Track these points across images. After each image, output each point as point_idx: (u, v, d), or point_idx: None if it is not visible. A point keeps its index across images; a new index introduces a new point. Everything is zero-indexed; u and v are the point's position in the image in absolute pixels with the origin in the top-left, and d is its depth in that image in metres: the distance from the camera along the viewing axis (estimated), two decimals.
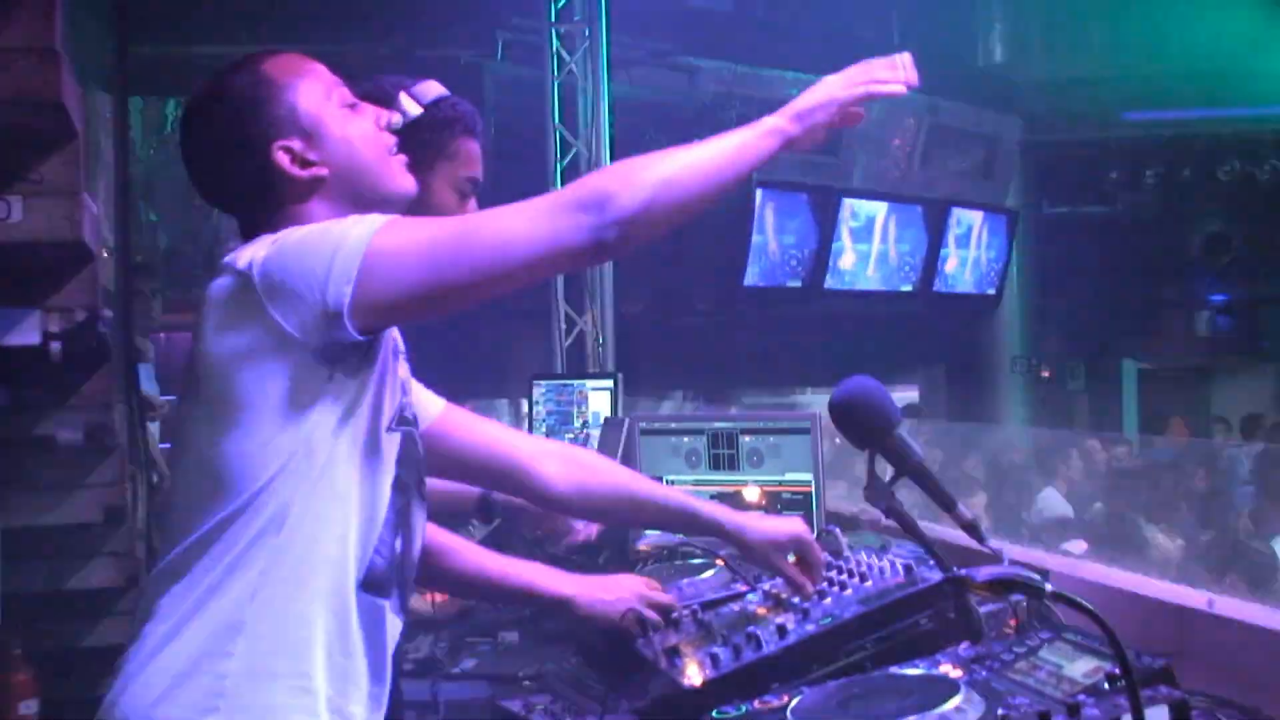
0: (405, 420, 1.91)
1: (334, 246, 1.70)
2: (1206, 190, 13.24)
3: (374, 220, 1.74)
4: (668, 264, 9.53)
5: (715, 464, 3.48)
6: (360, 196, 1.92)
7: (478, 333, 8.18)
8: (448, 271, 1.71)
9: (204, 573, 1.75)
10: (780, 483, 3.36)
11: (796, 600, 2.18)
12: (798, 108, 1.93)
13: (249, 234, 1.91)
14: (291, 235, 1.77)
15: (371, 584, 1.81)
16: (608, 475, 2.32)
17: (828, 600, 2.14)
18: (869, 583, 2.17)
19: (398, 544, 1.87)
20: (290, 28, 7.39)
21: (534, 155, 7.69)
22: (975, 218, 12.98)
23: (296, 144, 1.89)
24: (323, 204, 1.91)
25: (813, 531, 3.17)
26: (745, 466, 3.43)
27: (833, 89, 1.97)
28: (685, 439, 3.54)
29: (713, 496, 3.40)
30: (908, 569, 2.16)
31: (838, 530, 2.41)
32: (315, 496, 1.76)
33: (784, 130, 1.92)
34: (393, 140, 1.98)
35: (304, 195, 1.91)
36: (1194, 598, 2.25)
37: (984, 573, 1.47)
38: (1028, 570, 1.54)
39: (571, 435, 5.51)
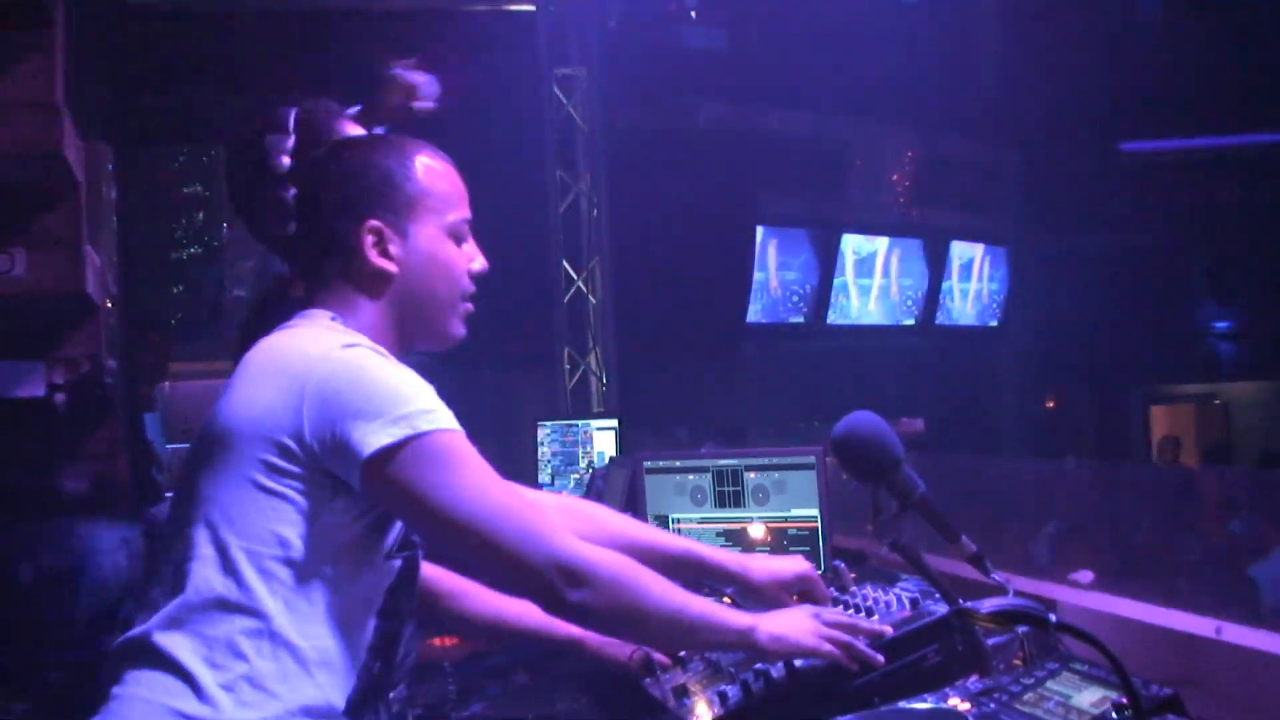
0: (408, 544, 1.91)
1: (400, 403, 1.75)
2: (1208, 217, 13.24)
3: (447, 419, 1.78)
4: (670, 302, 9.54)
5: (720, 501, 3.47)
6: (413, 318, 1.94)
7: (480, 374, 8.18)
8: (457, 514, 1.76)
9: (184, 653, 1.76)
10: (786, 519, 3.35)
11: None
12: (778, 633, 1.95)
13: (310, 300, 1.94)
14: (367, 362, 1.79)
15: (348, 709, 1.82)
16: (609, 526, 2.32)
17: None
18: (875, 617, 2.16)
19: (376, 666, 1.88)
20: (300, 78, 7.44)
21: (532, 198, 7.73)
22: (976, 250, 13.01)
23: (389, 232, 1.90)
24: (379, 309, 1.92)
25: (819, 568, 3.18)
26: (750, 503, 3.42)
27: (806, 636, 1.97)
28: (690, 476, 3.53)
29: (719, 534, 3.40)
30: (914, 602, 2.16)
31: (843, 565, 2.40)
32: (294, 612, 1.77)
33: (758, 644, 1.95)
34: (472, 289, 1.99)
35: (368, 288, 1.91)
36: (1202, 626, 2.25)
37: (989, 605, 1.48)
38: (1033, 602, 1.53)
39: (577, 476, 5.52)
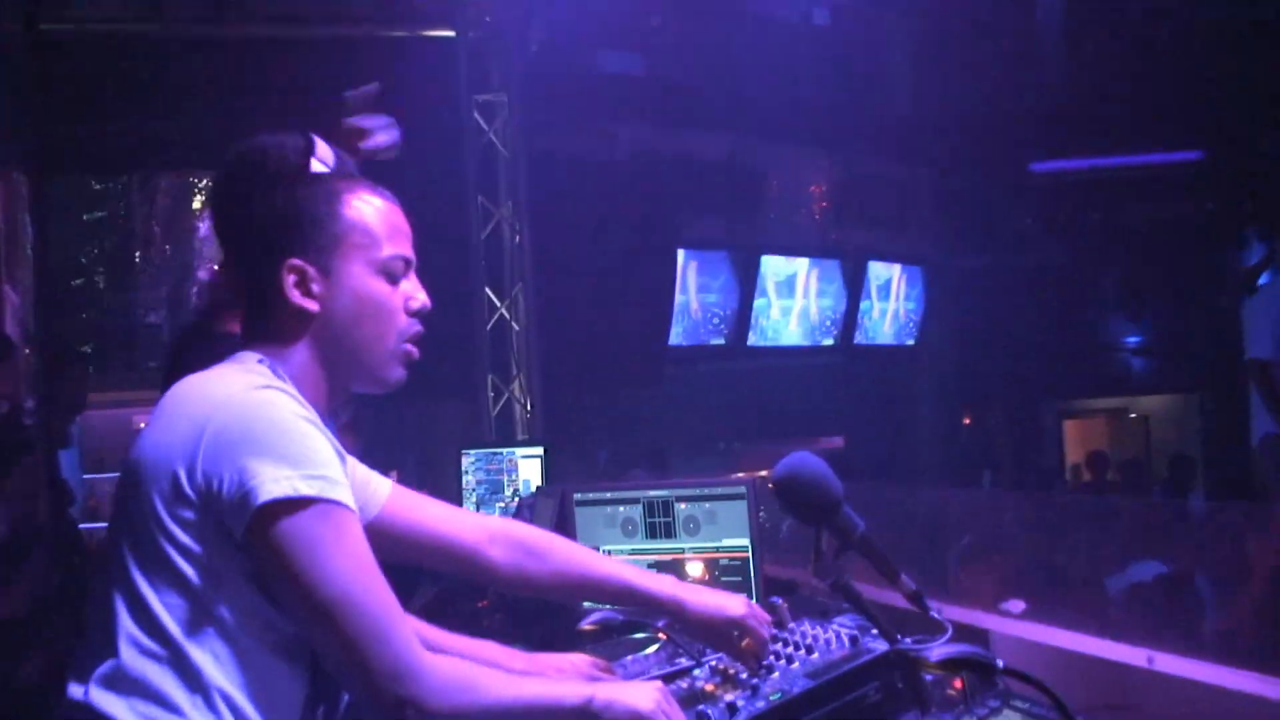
0: None
1: (313, 463, 1.74)
2: (1117, 234, 13.50)
3: (350, 497, 1.78)
4: (593, 327, 9.54)
5: (651, 533, 3.47)
6: (343, 360, 1.92)
7: (402, 402, 8.13)
8: (324, 592, 1.72)
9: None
10: (717, 549, 3.37)
11: (744, 676, 2.18)
12: (614, 698, 1.94)
13: (246, 339, 1.92)
14: (280, 409, 1.77)
15: None
16: (548, 557, 2.30)
17: (775, 675, 2.14)
18: (815, 655, 2.17)
19: (320, 713, 1.87)
20: (216, 105, 7.36)
21: (453, 224, 7.69)
22: (893, 270, 13.15)
23: (311, 270, 1.87)
24: (308, 350, 1.90)
25: (751, 597, 3.19)
26: (681, 534, 3.43)
27: (644, 702, 1.95)
28: (621, 508, 3.53)
29: (651, 565, 3.40)
30: (853, 640, 2.17)
31: (781, 601, 2.41)
32: (221, 662, 1.75)
33: (594, 711, 1.91)
34: (414, 329, 1.96)
35: (296, 328, 1.89)
36: (1134, 655, 2.28)
37: (937, 652, 1.49)
38: (973, 645, 1.55)
39: (503, 505, 5.48)
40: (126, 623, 1.75)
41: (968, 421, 15.42)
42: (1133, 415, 16.36)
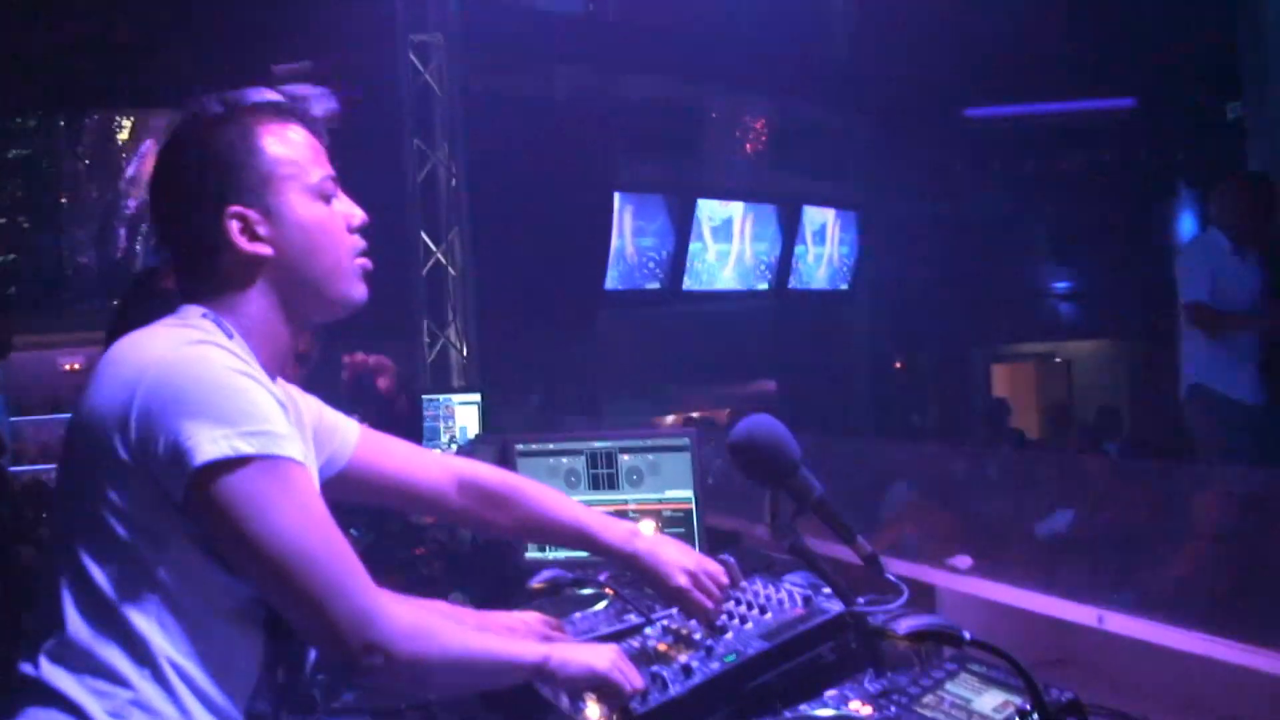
0: None
1: (251, 418, 1.68)
2: (1049, 181, 13.61)
3: (297, 449, 1.73)
4: (529, 271, 9.48)
5: (595, 483, 3.47)
6: (304, 291, 1.87)
7: (337, 348, 8.03)
8: (277, 548, 1.68)
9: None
10: (660, 500, 3.37)
11: (698, 637, 2.16)
12: (570, 657, 1.95)
13: (184, 295, 1.85)
14: (215, 363, 1.71)
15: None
16: (510, 506, 2.29)
17: (729, 635, 2.13)
18: (768, 615, 2.16)
19: (280, 675, 1.84)
20: (144, 45, 7.21)
21: (388, 168, 7.59)
22: (828, 215, 13.19)
23: (253, 214, 1.81)
24: (264, 292, 1.84)
25: (695, 548, 3.19)
26: (625, 485, 3.43)
27: (600, 661, 1.96)
28: (564, 459, 3.52)
29: None
30: (806, 600, 2.16)
31: (733, 560, 2.40)
32: (168, 630, 1.71)
33: (550, 671, 1.92)
34: (360, 244, 1.92)
35: (246, 274, 1.83)
36: (1083, 614, 2.29)
37: (905, 624, 1.48)
38: (937, 616, 1.55)
39: (439, 452, 5.45)
40: (71, 595, 1.71)
41: (899, 365, 15.55)
42: (1058, 360, 16.56)
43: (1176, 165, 13.13)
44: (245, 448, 1.66)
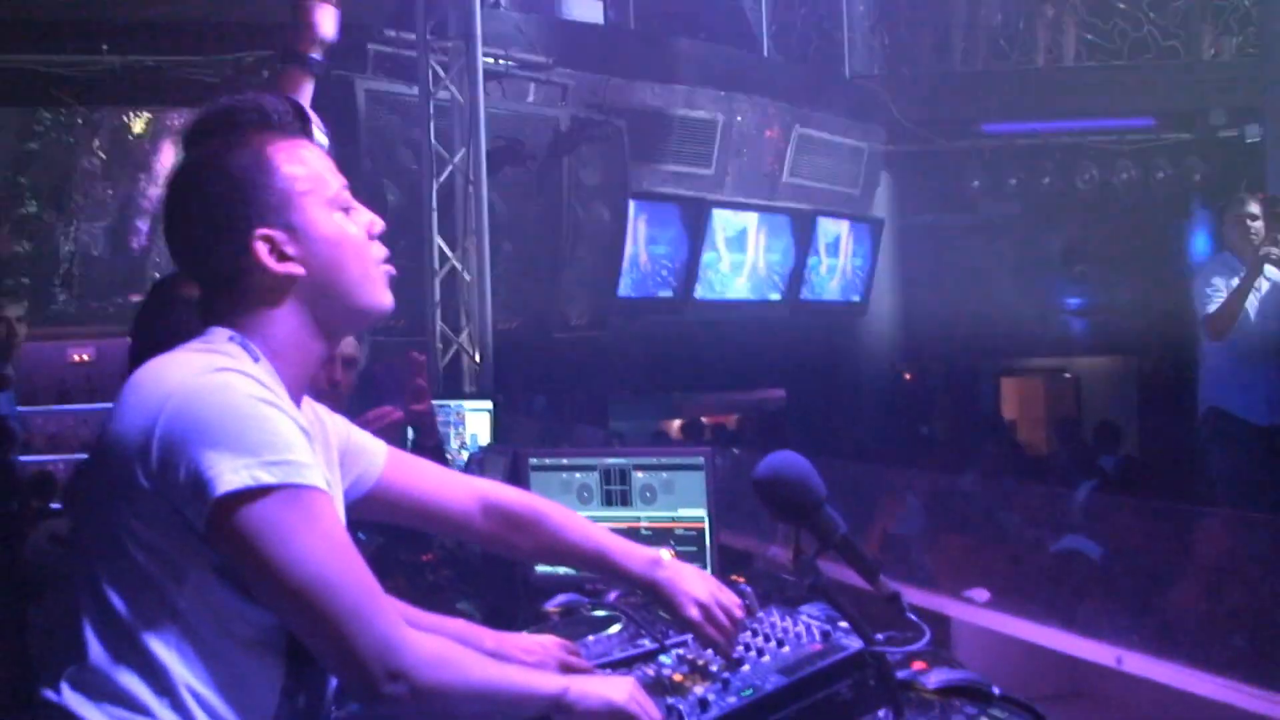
0: None
1: (274, 447, 1.69)
2: (1065, 199, 13.59)
3: (319, 477, 1.73)
4: (544, 278, 9.48)
5: (608, 500, 3.47)
6: (335, 305, 1.88)
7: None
8: (298, 577, 1.69)
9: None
10: (673, 519, 3.38)
11: (714, 668, 2.16)
12: (589, 690, 1.95)
13: (208, 317, 1.86)
14: (237, 391, 1.71)
15: None
16: (534, 531, 2.29)
17: (745, 668, 2.13)
18: (786, 648, 2.16)
19: (300, 700, 1.84)
20: (151, 38, 7.20)
21: (407, 170, 7.59)
22: (842, 227, 13.16)
23: (279, 235, 1.82)
24: (294, 311, 1.85)
25: (706, 568, 3.19)
26: (638, 502, 3.43)
27: (618, 694, 1.97)
28: (577, 475, 3.53)
29: None
30: (825, 635, 2.16)
31: (750, 589, 2.40)
32: (188, 659, 1.72)
33: (568, 704, 1.93)
34: (383, 251, 1.93)
35: (275, 294, 1.84)
36: (1101, 654, 2.28)
37: (935, 679, 1.48)
38: (968, 671, 1.54)
39: (450, 459, 5.44)
40: (92, 622, 1.72)
41: (908, 377, 15.53)
42: (1067, 375, 16.53)
43: (1193, 186, 13.11)
44: (267, 478, 1.66)
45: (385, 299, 1.93)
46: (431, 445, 3.91)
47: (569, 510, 2.40)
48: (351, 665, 1.73)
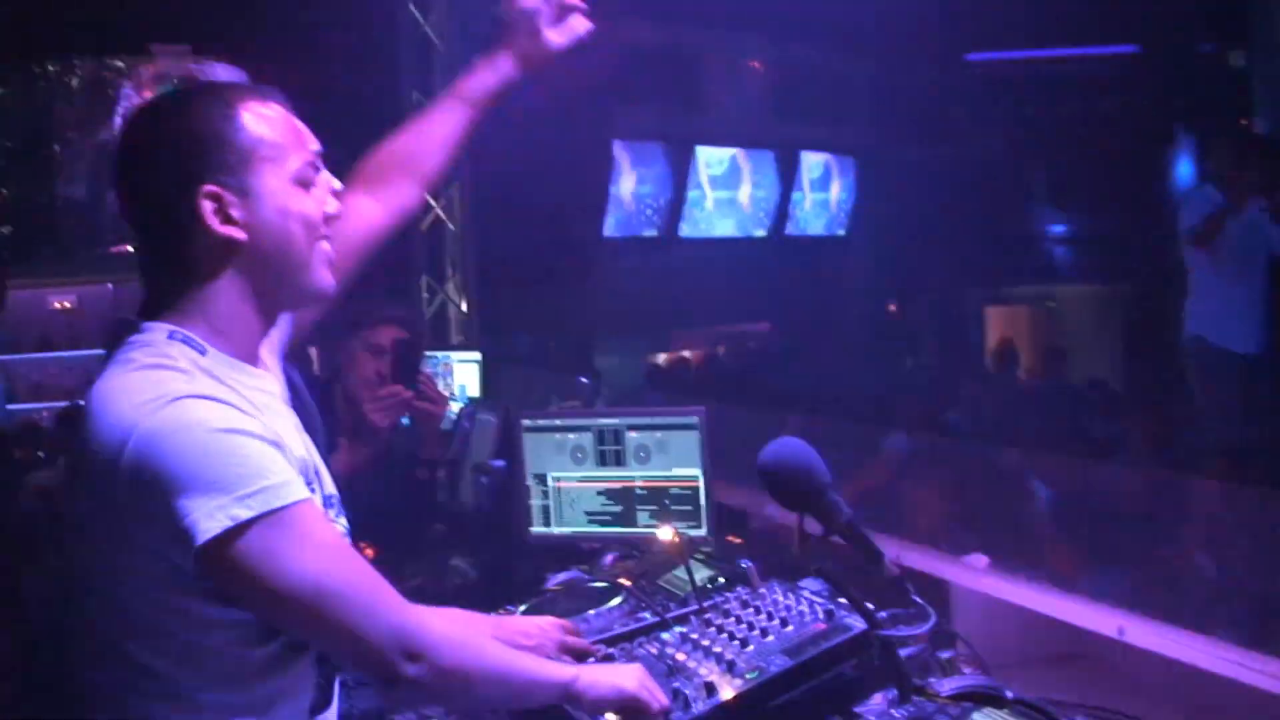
0: None
1: (246, 478, 1.64)
2: (1050, 127, 13.53)
3: (299, 488, 1.70)
4: (529, 221, 9.41)
5: (602, 460, 3.47)
6: (274, 278, 1.81)
7: (334, 305, 7.96)
8: (302, 591, 1.68)
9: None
10: (668, 478, 3.37)
11: (718, 649, 2.16)
12: (599, 678, 1.96)
13: (146, 276, 1.80)
14: (197, 425, 1.65)
15: None
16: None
17: (751, 649, 2.13)
18: (789, 628, 2.15)
19: (336, 689, 1.86)
20: None
21: (390, 119, 7.48)
22: (825, 161, 13.11)
23: (229, 195, 1.74)
24: (228, 277, 1.78)
25: (701, 528, 3.19)
26: (632, 462, 3.43)
27: (628, 681, 1.97)
28: (571, 435, 3.53)
29: (600, 493, 3.41)
30: (828, 614, 2.15)
31: (752, 566, 2.39)
32: (203, 671, 1.73)
33: (578, 692, 1.93)
34: (327, 231, 1.86)
35: (212, 258, 1.76)
36: (1103, 623, 2.28)
37: (948, 685, 1.48)
38: (984, 676, 1.54)
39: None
40: (113, 666, 1.71)
41: (893, 309, 15.53)
42: (1051, 303, 16.54)
43: (1177, 112, 13.06)
44: (245, 513, 1.63)
45: (325, 279, 1.86)
46: (425, 458, 3.91)
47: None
48: (370, 660, 1.73)
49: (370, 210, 2.28)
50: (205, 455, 1.63)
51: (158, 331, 1.75)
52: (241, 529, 1.63)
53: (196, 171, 1.73)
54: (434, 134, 2.38)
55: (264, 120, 1.79)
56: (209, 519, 1.61)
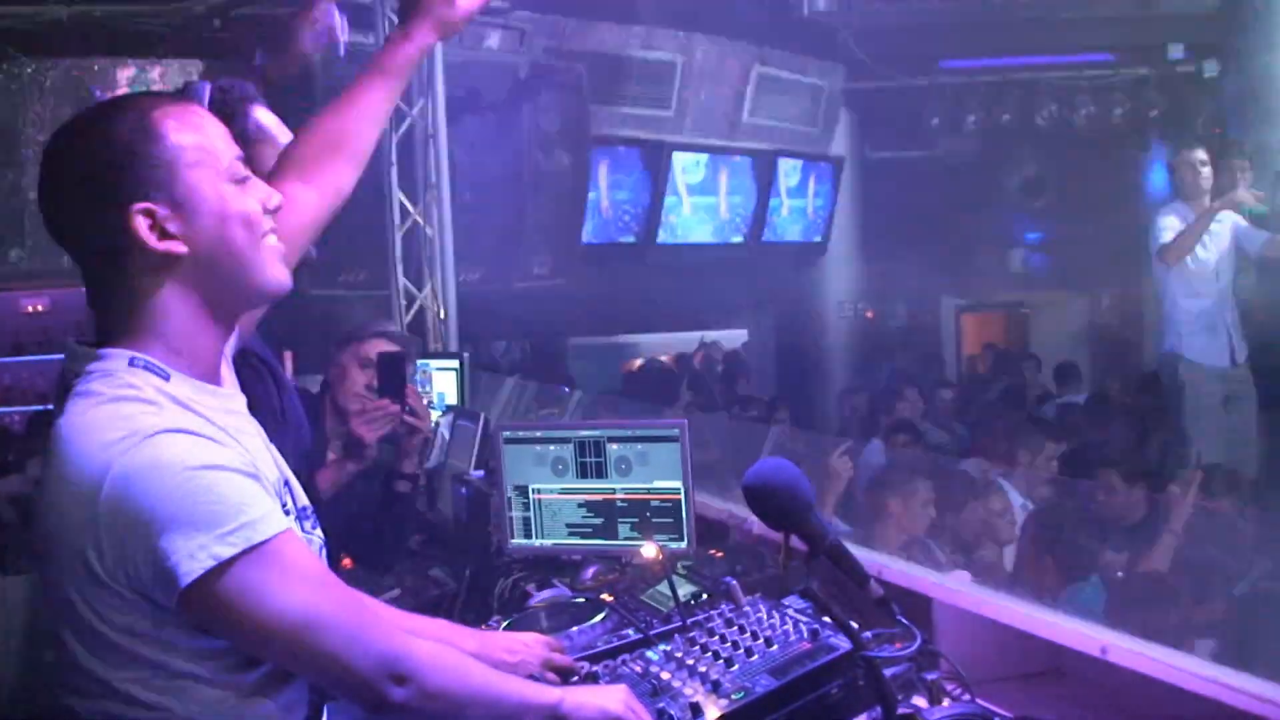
0: None
1: (224, 515, 1.63)
2: (1024, 134, 13.58)
3: (277, 520, 1.69)
4: (507, 228, 9.40)
5: (583, 472, 3.46)
6: (224, 285, 1.78)
7: (311, 310, 7.94)
8: (285, 623, 1.68)
9: None
10: (649, 490, 3.36)
11: (703, 669, 2.15)
12: (584, 700, 1.97)
13: (93, 301, 1.77)
14: (171, 463, 1.63)
15: None
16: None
17: (736, 668, 2.12)
18: (774, 647, 2.15)
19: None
20: None
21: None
22: (802, 167, 13.13)
23: (161, 210, 1.71)
24: (182, 295, 1.75)
25: (683, 539, 3.19)
26: (613, 474, 3.42)
27: (613, 703, 1.98)
28: (551, 447, 3.51)
29: (581, 505, 3.40)
30: (813, 633, 2.15)
31: (735, 583, 2.38)
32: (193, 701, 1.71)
33: (562, 716, 1.94)
34: (272, 225, 1.83)
35: (158, 276, 1.73)
36: (1085, 642, 2.28)
37: (936, 716, 1.47)
38: (972, 704, 1.54)
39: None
40: (99, 697, 1.70)
41: (869, 315, 15.56)
42: (1025, 310, 16.62)
43: (1151, 121, 13.13)
44: (227, 551, 1.62)
45: (278, 275, 1.83)
46: (406, 472, 3.90)
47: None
48: (358, 687, 1.73)
49: (306, 198, 2.23)
50: (183, 495, 1.61)
51: (117, 359, 1.72)
52: (224, 567, 1.62)
53: (126, 191, 1.70)
54: (361, 111, 2.30)
55: (185, 126, 1.76)
56: (191, 560, 1.60)
